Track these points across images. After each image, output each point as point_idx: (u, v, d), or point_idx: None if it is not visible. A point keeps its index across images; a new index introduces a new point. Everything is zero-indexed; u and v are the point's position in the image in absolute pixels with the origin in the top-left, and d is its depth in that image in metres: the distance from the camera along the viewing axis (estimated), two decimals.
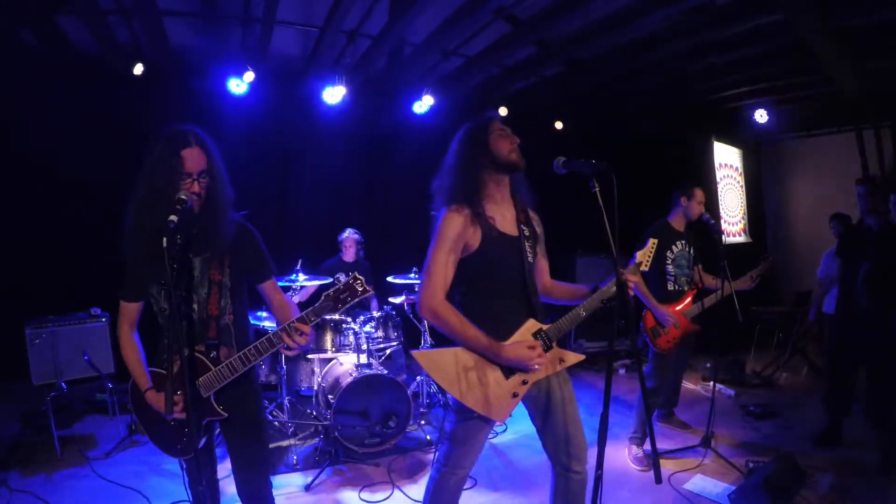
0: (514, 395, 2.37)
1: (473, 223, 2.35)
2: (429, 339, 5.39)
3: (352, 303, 2.23)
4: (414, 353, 2.38)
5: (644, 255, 2.69)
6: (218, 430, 2.56)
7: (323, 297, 2.22)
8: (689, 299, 4.38)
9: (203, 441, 2.36)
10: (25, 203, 5.84)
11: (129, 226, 2.23)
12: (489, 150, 2.41)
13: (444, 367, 2.31)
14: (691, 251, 4.49)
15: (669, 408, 4.99)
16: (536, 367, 2.32)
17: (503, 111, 7.52)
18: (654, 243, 2.74)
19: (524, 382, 2.38)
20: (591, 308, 2.50)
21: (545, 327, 2.43)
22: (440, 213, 2.41)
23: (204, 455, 2.41)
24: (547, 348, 2.40)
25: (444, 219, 2.36)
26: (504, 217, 2.47)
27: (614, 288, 2.40)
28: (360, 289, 2.22)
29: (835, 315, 4.97)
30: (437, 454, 2.57)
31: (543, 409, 2.48)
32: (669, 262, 4.40)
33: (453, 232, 2.33)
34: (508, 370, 2.35)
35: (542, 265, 2.67)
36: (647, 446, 4.32)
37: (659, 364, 4.38)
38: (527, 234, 2.50)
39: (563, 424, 2.45)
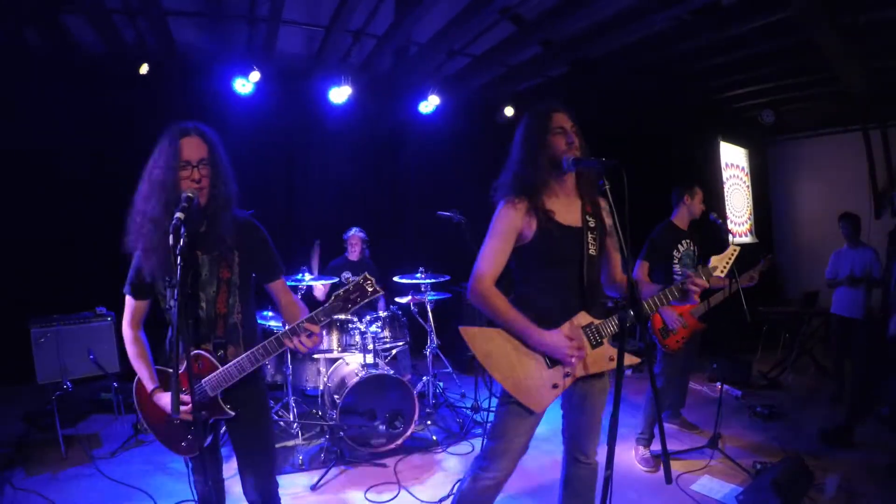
0: (555, 387, 2.35)
1: (529, 215, 2.36)
2: (435, 339, 5.38)
3: (362, 303, 2.22)
4: (461, 328, 2.38)
5: (721, 261, 2.67)
6: (224, 429, 2.54)
7: (333, 298, 2.20)
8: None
9: (209, 440, 2.35)
10: (30, 202, 5.86)
11: (132, 220, 2.21)
12: (546, 149, 2.39)
13: (490, 346, 2.33)
14: (695, 250, 4.48)
15: (676, 408, 4.96)
16: (573, 360, 2.28)
17: (509, 111, 7.52)
18: (734, 250, 2.75)
19: (567, 375, 2.36)
20: (653, 310, 2.47)
21: (597, 322, 2.39)
22: (498, 205, 2.43)
23: (209, 454, 2.40)
24: (596, 344, 2.38)
25: (499, 212, 2.40)
26: (567, 208, 2.44)
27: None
28: (371, 289, 2.20)
29: (845, 316, 4.94)
30: (479, 452, 2.56)
31: (576, 405, 2.52)
32: (676, 261, 4.39)
33: (505, 224, 2.36)
34: (552, 360, 2.34)
35: (614, 258, 2.60)
36: (654, 447, 4.30)
37: (668, 364, 4.37)
38: (591, 225, 2.46)
39: (588, 426, 2.51)
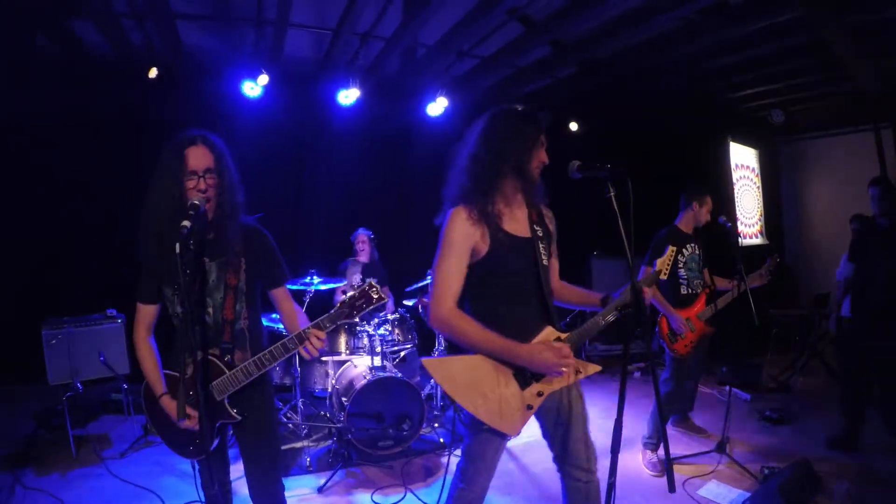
0: (529, 408, 2.24)
1: (481, 224, 2.22)
2: (443, 341, 5.37)
3: (367, 310, 2.25)
4: (423, 360, 2.27)
5: (664, 263, 2.59)
6: (231, 432, 2.56)
7: (338, 304, 2.24)
8: (702, 301, 4.35)
9: (216, 443, 2.37)
10: (43, 205, 5.90)
11: (141, 229, 2.26)
12: (529, 161, 2.27)
13: (455, 376, 2.19)
14: (700, 254, 4.46)
15: (685, 412, 4.93)
16: (564, 370, 2.16)
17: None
18: (672, 251, 2.64)
19: (539, 394, 2.24)
20: (608, 318, 2.36)
21: (563, 336, 2.28)
22: (446, 214, 2.29)
23: (216, 456, 2.43)
24: None
25: (450, 221, 2.24)
26: (515, 217, 2.34)
27: (628, 296, 2.27)
28: (376, 296, 2.23)
29: (849, 317, 4.90)
30: (455, 471, 2.47)
31: (559, 423, 2.35)
32: (681, 265, 4.38)
33: (459, 235, 2.21)
34: (524, 381, 2.23)
35: (554, 265, 2.52)
36: (662, 451, 4.28)
37: (676, 369, 4.34)
38: (540, 234, 2.36)
39: (580, 440, 2.34)
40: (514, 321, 2.24)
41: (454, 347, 2.28)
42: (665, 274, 2.60)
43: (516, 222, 2.33)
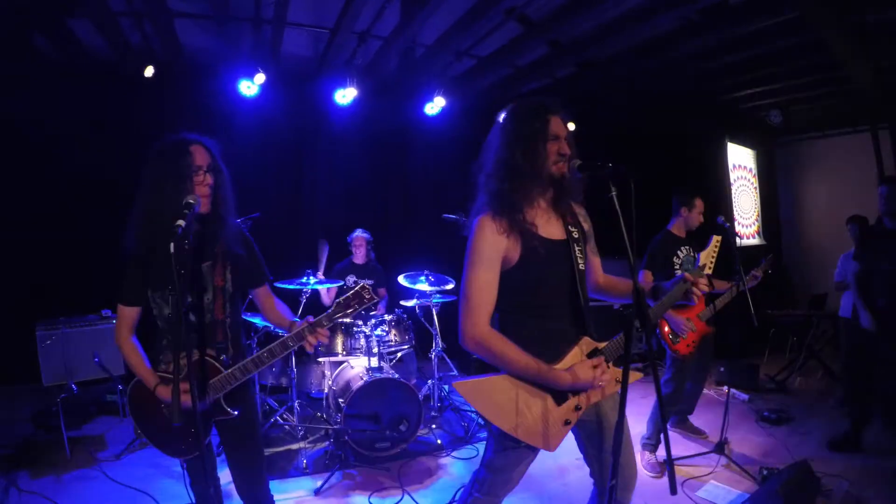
0: (567, 423, 2.14)
1: (511, 231, 2.09)
2: (440, 342, 5.36)
3: (360, 310, 2.33)
4: (455, 384, 2.14)
5: (707, 257, 2.51)
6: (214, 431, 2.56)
7: (334, 306, 2.33)
8: (701, 302, 4.33)
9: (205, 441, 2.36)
10: (37, 205, 5.88)
11: (138, 230, 2.24)
12: (538, 159, 2.14)
13: (488, 396, 2.07)
14: (695, 255, 4.44)
15: (684, 414, 4.92)
16: (602, 384, 2.09)
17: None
18: (718, 240, 2.55)
19: (577, 408, 2.14)
20: (659, 315, 2.26)
21: (601, 346, 2.17)
22: (473, 222, 2.14)
23: (206, 456, 2.41)
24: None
25: (477, 230, 2.10)
26: (548, 220, 2.21)
27: (681, 289, 2.22)
28: (367, 297, 2.32)
29: (850, 318, 4.89)
30: (470, 480, 2.38)
31: (595, 435, 2.25)
32: (677, 267, 4.37)
33: (489, 245, 2.07)
34: (562, 396, 2.11)
35: (596, 263, 2.41)
36: (661, 453, 4.27)
37: (677, 370, 4.33)
38: (575, 235, 2.23)
39: (627, 444, 2.24)
40: (547, 333, 2.14)
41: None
42: (710, 268, 2.51)
43: (550, 225, 2.21)
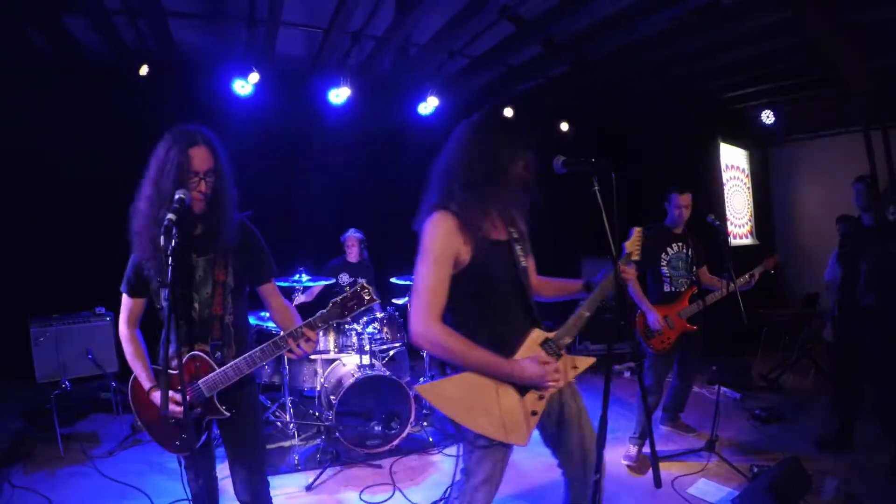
0: (534, 414, 2.15)
1: (464, 232, 2.10)
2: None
3: (358, 311, 2.27)
4: (417, 387, 2.17)
5: (633, 245, 2.51)
6: (216, 430, 2.56)
7: (330, 305, 2.26)
8: (685, 300, 4.35)
9: (203, 438, 2.37)
10: (31, 202, 5.88)
11: (134, 221, 2.24)
12: (515, 168, 2.15)
13: (453, 397, 2.08)
14: (689, 252, 4.46)
15: (675, 412, 4.93)
16: (553, 382, 2.08)
17: (509, 112, 7.50)
18: (639, 231, 2.55)
19: (541, 398, 2.15)
20: (594, 306, 2.30)
21: (551, 335, 2.21)
22: (424, 220, 2.16)
23: (203, 453, 2.42)
24: (557, 357, 2.17)
25: (432, 227, 2.11)
26: (494, 222, 2.25)
27: (611, 280, 2.23)
28: (368, 298, 2.26)
29: (838, 316, 4.92)
30: (450, 492, 2.38)
31: (557, 423, 2.29)
32: (665, 263, 4.40)
33: (443, 244, 2.08)
34: (523, 388, 2.12)
35: (531, 264, 2.42)
36: (648, 448, 4.28)
37: (654, 363, 4.35)
38: (515, 235, 2.29)
39: (580, 439, 2.28)
40: (499, 329, 2.17)
41: (441, 363, 2.23)
42: (637, 255, 2.50)
43: (494, 227, 2.25)
